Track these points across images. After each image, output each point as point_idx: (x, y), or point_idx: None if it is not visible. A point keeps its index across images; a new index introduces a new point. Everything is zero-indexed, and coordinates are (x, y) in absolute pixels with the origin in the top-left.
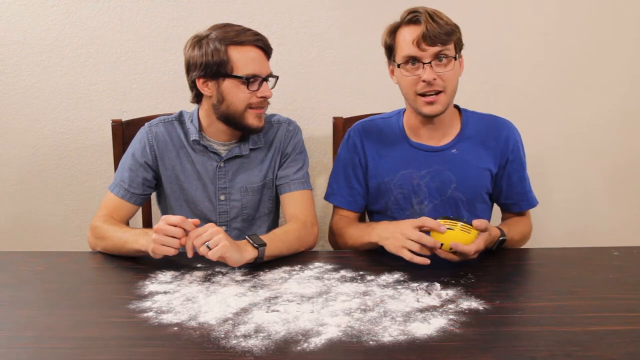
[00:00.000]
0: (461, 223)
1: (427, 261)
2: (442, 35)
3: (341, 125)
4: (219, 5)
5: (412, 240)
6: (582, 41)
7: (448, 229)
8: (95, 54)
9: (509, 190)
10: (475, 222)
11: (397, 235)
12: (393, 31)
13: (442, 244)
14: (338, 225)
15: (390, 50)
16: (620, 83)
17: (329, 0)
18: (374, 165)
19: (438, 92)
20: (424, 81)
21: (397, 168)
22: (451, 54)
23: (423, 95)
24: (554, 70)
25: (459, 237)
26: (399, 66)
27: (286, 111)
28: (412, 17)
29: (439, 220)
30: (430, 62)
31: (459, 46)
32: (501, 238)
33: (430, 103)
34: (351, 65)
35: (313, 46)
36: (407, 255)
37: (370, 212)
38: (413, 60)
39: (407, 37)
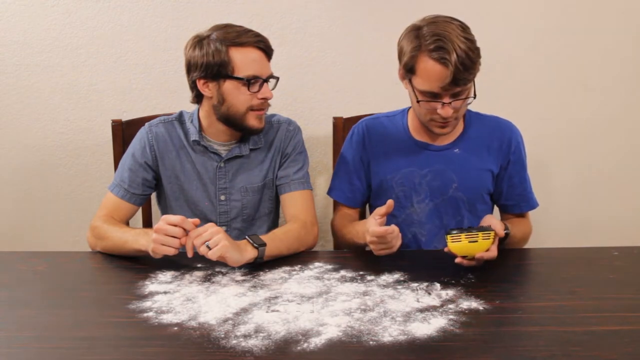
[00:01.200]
0: (481, 233)
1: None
2: (467, 78)
3: (341, 125)
4: (219, 6)
5: (373, 241)
6: (583, 41)
7: (471, 242)
8: (95, 54)
9: (510, 191)
10: (495, 228)
11: (367, 237)
12: (415, 53)
13: (466, 256)
14: (337, 225)
15: (408, 68)
16: (621, 83)
17: (329, 0)
18: (377, 162)
19: None
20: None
21: (400, 166)
22: (470, 87)
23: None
24: (554, 70)
25: (484, 246)
26: (414, 89)
27: (286, 111)
28: (439, 57)
29: (462, 235)
30: (450, 102)
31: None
32: (506, 232)
33: (443, 127)
34: (351, 65)
35: (313, 46)
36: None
37: (374, 207)
38: (432, 94)
39: (431, 76)
